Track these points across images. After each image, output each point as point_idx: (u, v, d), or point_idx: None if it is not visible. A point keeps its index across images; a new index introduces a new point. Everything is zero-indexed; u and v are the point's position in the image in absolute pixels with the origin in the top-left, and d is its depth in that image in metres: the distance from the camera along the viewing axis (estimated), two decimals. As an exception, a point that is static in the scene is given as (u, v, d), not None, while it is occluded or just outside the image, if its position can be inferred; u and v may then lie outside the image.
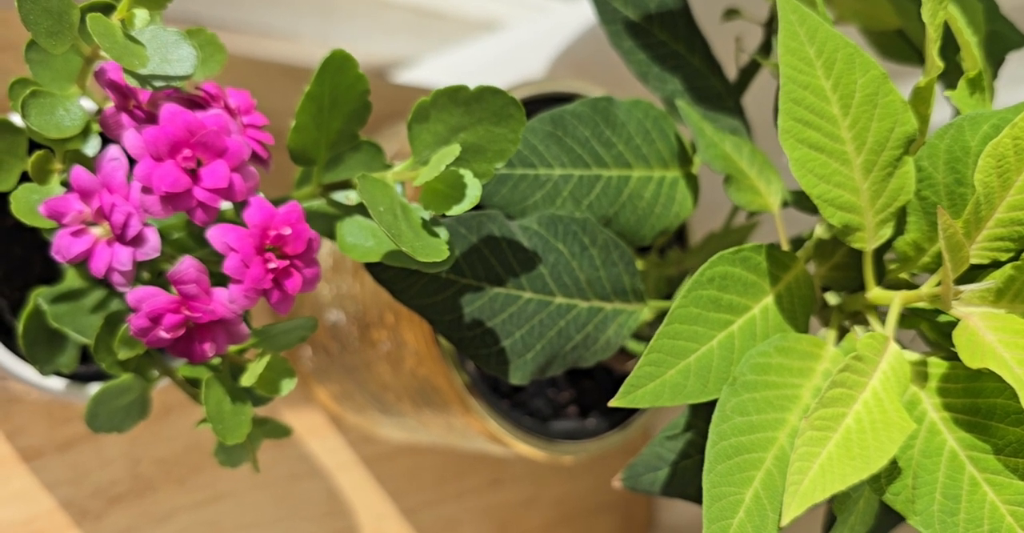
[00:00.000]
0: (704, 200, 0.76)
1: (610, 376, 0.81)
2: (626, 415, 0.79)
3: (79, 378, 0.66)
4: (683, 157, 0.67)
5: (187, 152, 0.49)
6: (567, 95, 0.75)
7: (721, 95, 0.68)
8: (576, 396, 0.80)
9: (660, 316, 0.67)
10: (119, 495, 0.78)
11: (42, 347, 0.60)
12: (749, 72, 0.71)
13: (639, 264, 0.73)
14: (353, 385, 0.82)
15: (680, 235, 0.84)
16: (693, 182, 0.67)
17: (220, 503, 0.83)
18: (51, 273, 0.66)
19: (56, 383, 0.65)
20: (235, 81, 0.87)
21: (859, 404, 0.50)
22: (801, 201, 0.64)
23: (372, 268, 0.59)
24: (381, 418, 0.84)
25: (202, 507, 0.82)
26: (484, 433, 0.74)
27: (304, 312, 0.83)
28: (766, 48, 0.71)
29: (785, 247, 0.61)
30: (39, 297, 0.58)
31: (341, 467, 0.88)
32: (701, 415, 0.61)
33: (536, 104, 0.74)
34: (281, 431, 0.60)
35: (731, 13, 0.73)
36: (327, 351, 0.82)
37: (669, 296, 0.72)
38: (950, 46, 0.62)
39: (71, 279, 0.60)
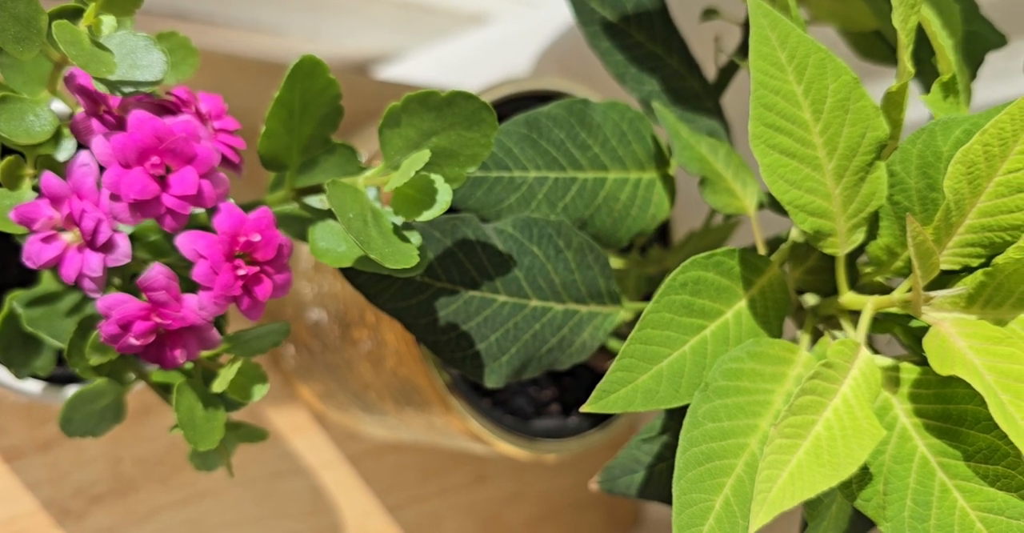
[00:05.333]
0: (688, 198, 0.75)
1: (592, 374, 0.81)
2: (608, 413, 0.79)
3: (56, 381, 0.65)
4: (660, 159, 0.67)
5: (155, 159, 0.49)
6: (550, 93, 0.75)
7: (699, 96, 0.68)
8: (558, 394, 0.80)
9: (639, 316, 0.67)
10: (100, 495, 0.78)
11: (17, 350, 0.60)
12: (728, 72, 0.71)
13: (619, 263, 0.72)
14: (335, 384, 0.82)
15: (663, 233, 0.83)
16: (670, 183, 0.67)
17: (202, 502, 0.83)
18: (27, 276, 0.66)
19: (33, 386, 0.64)
20: (218, 79, 0.87)
21: (829, 411, 0.50)
22: (777, 204, 0.64)
23: (346, 272, 0.59)
24: (364, 416, 0.84)
25: (184, 506, 0.82)
26: (465, 432, 0.74)
27: (286, 311, 0.83)
28: (745, 49, 0.71)
29: (761, 249, 0.61)
30: (14, 301, 0.58)
31: (325, 465, 0.88)
32: (677, 418, 0.61)
33: (518, 102, 0.73)
34: (256, 435, 0.59)
35: (709, 13, 0.73)
36: (309, 350, 0.82)
37: (650, 295, 0.72)
38: (926, 48, 0.61)
39: (47, 282, 0.60)
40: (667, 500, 0.61)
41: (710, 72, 0.72)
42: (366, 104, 0.86)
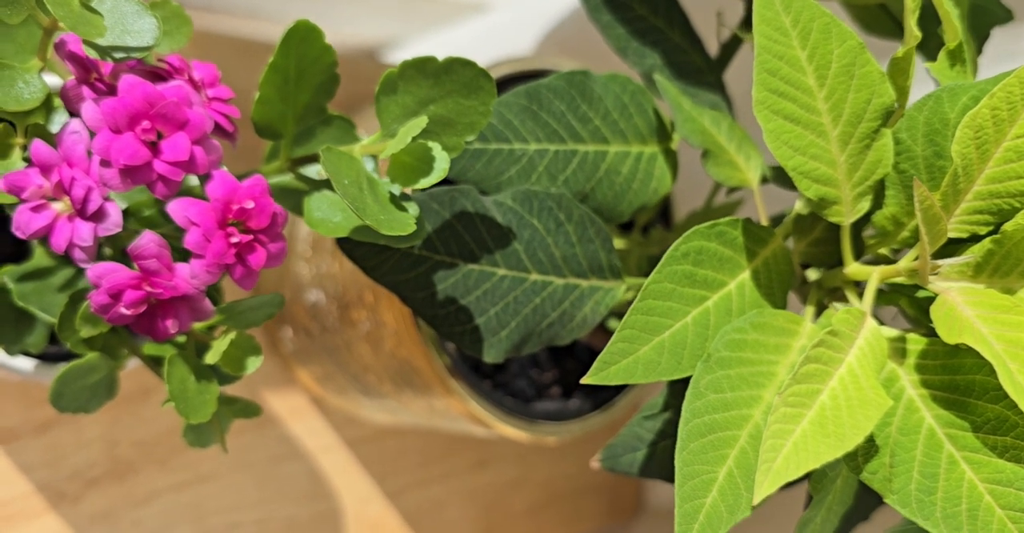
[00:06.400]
0: (692, 178, 0.74)
1: (593, 356, 0.80)
2: (610, 396, 0.78)
3: (49, 358, 0.65)
4: (662, 132, 0.66)
5: (146, 124, 0.48)
6: (550, 72, 0.74)
7: (701, 70, 0.67)
8: (559, 376, 0.79)
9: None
10: (97, 478, 0.78)
11: (9, 327, 0.59)
12: (731, 47, 0.70)
13: (621, 243, 0.72)
14: (334, 366, 0.81)
15: (665, 214, 0.83)
16: (672, 158, 0.66)
17: (201, 485, 0.82)
18: (20, 251, 0.66)
19: (25, 363, 0.64)
20: (218, 61, 0.86)
21: (835, 380, 0.49)
22: (780, 176, 0.63)
23: (343, 244, 0.58)
24: (363, 400, 0.83)
25: (183, 489, 0.81)
26: (466, 415, 0.73)
27: (284, 292, 0.82)
28: (748, 22, 0.70)
29: (765, 223, 0.60)
30: (5, 276, 0.57)
31: (324, 449, 0.87)
32: (679, 394, 0.60)
33: (520, 81, 0.73)
34: (251, 410, 0.59)
35: (712, -14, 0.72)
36: (308, 332, 0.81)
37: (650, 275, 0.71)
38: (932, 19, 0.60)
39: (39, 257, 0.59)
40: (670, 478, 0.60)
41: (712, 47, 0.71)
42: (368, 87, 0.85)
